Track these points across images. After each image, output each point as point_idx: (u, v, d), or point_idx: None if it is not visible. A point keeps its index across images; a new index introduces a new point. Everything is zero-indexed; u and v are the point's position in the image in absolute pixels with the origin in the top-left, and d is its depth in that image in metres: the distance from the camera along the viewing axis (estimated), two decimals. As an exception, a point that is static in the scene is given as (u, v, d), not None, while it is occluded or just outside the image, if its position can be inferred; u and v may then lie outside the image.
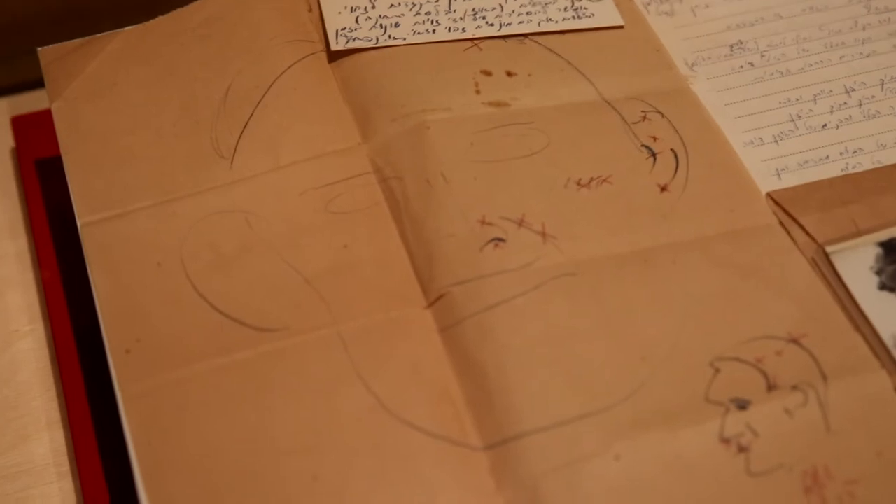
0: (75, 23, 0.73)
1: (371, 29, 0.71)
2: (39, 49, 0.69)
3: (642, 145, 0.66)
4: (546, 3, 0.73)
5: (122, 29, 0.71)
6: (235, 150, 0.66)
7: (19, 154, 0.74)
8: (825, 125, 0.68)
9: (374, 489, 0.54)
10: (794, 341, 0.58)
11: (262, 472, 0.54)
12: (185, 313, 0.59)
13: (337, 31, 0.71)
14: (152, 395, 0.56)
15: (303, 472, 0.54)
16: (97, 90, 0.68)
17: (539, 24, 0.72)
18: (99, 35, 0.70)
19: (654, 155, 0.65)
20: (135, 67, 0.70)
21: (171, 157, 0.65)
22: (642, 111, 0.67)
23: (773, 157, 0.67)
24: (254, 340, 0.58)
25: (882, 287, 0.60)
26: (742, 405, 0.55)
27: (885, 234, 0.62)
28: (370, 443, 0.55)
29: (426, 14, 0.72)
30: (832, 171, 0.66)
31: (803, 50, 0.72)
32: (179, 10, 0.72)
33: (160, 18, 0.72)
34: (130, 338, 0.58)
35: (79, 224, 0.62)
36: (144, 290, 0.60)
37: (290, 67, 0.69)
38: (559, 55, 0.70)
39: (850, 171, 0.66)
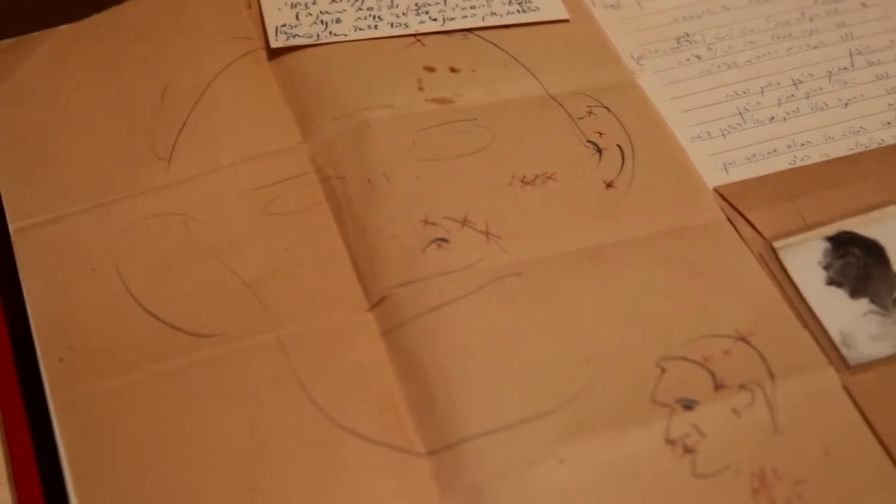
0: (5, 22, 0.71)
1: (312, 25, 0.70)
2: (-33, 51, 0.68)
3: (588, 141, 0.65)
4: (490, -3, 0.72)
5: (54, 28, 0.69)
6: (173, 151, 0.64)
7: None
8: (773, 118, 0.67)
9: (314, 499, 0.52)
10: (742, 339, 0.57)
11: (196, 484, 0.52)
12: (120, 320, 0.58)
13: (276, 28, 0.69)
14: (86, 405, 0.55)
15: (239, 484, 0.52)
16: (29, 92, 0.67)
17: (483, 18, 0.71)
18: (30, 35, 0.69)
19: (599, 151, 0.64)
20: (69, 68, 0.68)
21: (106, 160, 0.64)
22: (588, 106, 0.66)
23: (721, 152, 0.66)
24: (190, 347, 0.57)
25: (830, 282, 0.59)
26: (688, 405, 0.54)
27: (832, 229, 0.61)
28: (310, 452, 0.53)
29: (368, 9, 0.71)
30: (780, 164, 0.65)
31: (750, 42, 0.71)
32: (115, 8, 0.71)
33: (95, 17, 0.70)
34: (64, 346, 0.57)
35: (10, 229, 0.61)
36: (78, 296, 0.59)
37: (228, 66, 0.68)
38: (504, 50, 0.69)
39: (798, 164, 0.65)
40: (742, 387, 0.55)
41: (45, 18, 0.70)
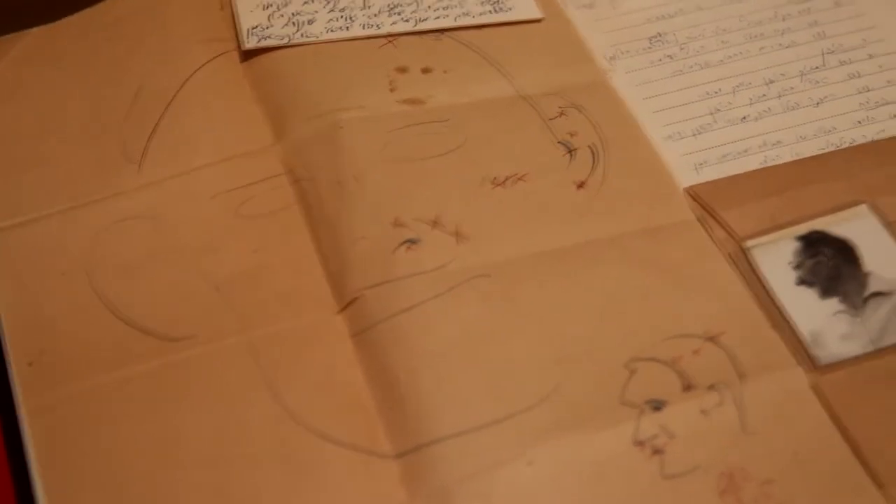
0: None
1: (284, 27, 0.69)
2: (-59, 54, 0.68)
3: (559, 142, 0.65)
4: (463, -2, 0.72)
5: (27, 30, 0.69)
6: (144, 153, 0.64)
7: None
8: (745, 118, 0.68)
9: (283, 501, 0.52)
10: (712, 340, 0.57)
11: (166, 486, 0.52)
12: (91, 323, 0.58)
13: (249, 30, 0.69)
14: (55, 409, 0.55)
15: (208, 486, 0.52)
16: (2, 94, 0.67)
17: (456, 18, 0.71)
18: (4, 37, 0.69)
19: (571, 151, 0.64)
20: (42, 70, 0.68)
21: (78, 162, 0.64)
22: (560, 107, 0.66)
23: (693, 152, 0.66)
24: (160, 350, 0.57)
25: (800, 282, 0.60)
26: (657, 406, 0.55)
27: (803, 228, 0.61)
28: (278, 454, 0.53)
29: (341, 10, 0.71)
30: (752, 164, 0.65)
31: (723, 41, 0.72)
32: (88, 10, 0.71)
33: (69, 18, 0.70)
34: (34, 350, 0.57)
35: (-19, 233, 0.61)
36: (49, 300, 0.59)
37: (201, 67, 0.68)
38: (476, 50, 0.69)
39: (770, 163, 0.65)
40: (711, 387, 0.55)
41: (19, 20, 0.70)
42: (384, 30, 0.70)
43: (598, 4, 0.74)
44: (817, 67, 0.70)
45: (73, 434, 0.54)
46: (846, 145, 0.66)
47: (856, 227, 0.61)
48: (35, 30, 0.70)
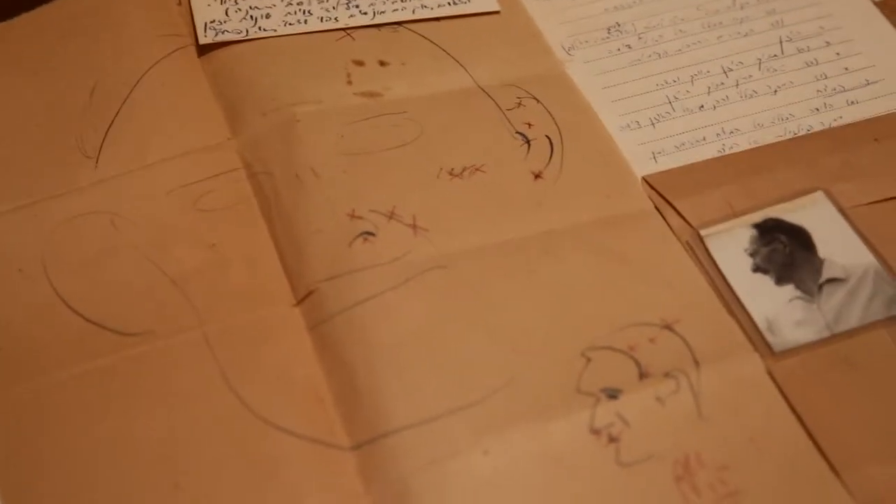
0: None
1: (241, 21, 0.69)
2: None
3: (517, 132, 0.65)
4: (421, -10, 0.72)
5: (-19, 28, 0.69)
6: (101, 149, 0.64)
7: None
8: (702, 106, 0.68)
9: (239, 496, 0.52)
10: (668, 327, 0.57)
11: (121, 482, 0.52)
12: (47, 320, 0.58)
13: (206, 24, 0.69)
14: (11, 406, 0.55)
15: (163, 481, 0.52)
16: (-43, 92, 0.66)
17: (413, 11, 0.71)
18: (-42, 35, 0.68)
19: (528, 142, 0.64)
20: (-2, 67, 0.68)
21: (33, 159, 0.64)
22: (517, 97, 0.66)
23: (650, 141, 0.66)
24: (117, 345, 0.57)
25: (756, 269, 0.60)
26: (613, 394, 0.55)
27: (759, 216, 0.62)
28: (235, 448, 0.53)
29: (298, 4, 0.70)
30: (709, 152, 0.66)
31: (680, 31, 0.72)
32: (43, 7, 0.70)
33: (24, 16, 0.70)
34: (-10, 347, 0.57)
35: (-65, 232, 0.61)
36: (5, 297, 0.58)
37: (157, 63, 0.68)
38: (434, 42, 0.69)
39: (727, 152, 0.65)
40: (667, 375, 0.55)
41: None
42: (341, 23, 0.69)
43: (556, -5, 0.74)
44: (775, 55, 0.70)
45: (30, 431, 0.54)
46: (803, 133, 0.66)
47: (812, 214, 0.62)
48: (-11, 28, 0.69)
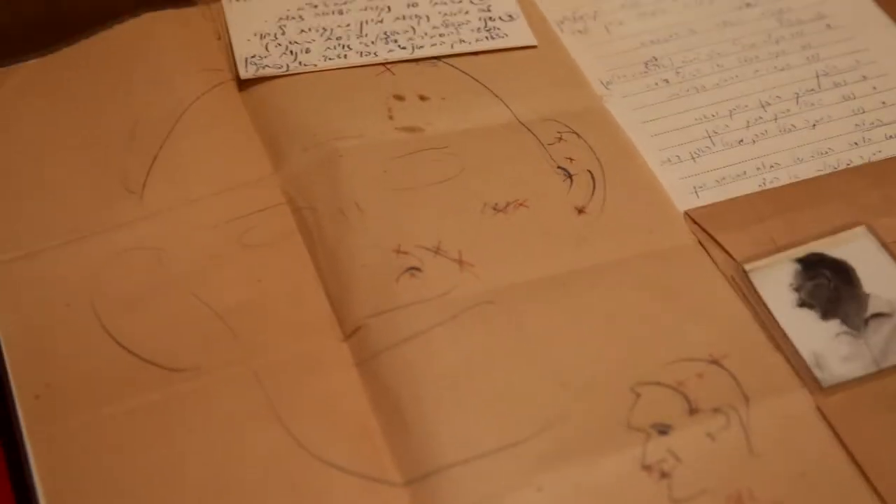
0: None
1: (281, 56, 0.70)
2: (-62, 85, 0.68)
3: (558, 167, 0.65)
4: (459, 25, 0.72)
5: (23, 62, 0.69)
6: (145, 184, 0.64)
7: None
8: (741, 140, 0.68)
9: (291, 531, 0.52)
10: (715, 363, 0.57)
11: (173, 518, 0.52)
12: (95, 355, 0.58)
13: (246, 59, 0.69)
14: (62, 441, 0.55)
15: (215, 516, 0.52)
16: None
17: (452, 45, 0.71)
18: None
19: (570, 177, 0.65)
20: (38, 101, 0.68)
21: (78, 194, 0.64)
22: (558, 132, 0.67)
23: (691, 175, 0.66)
24: (164, 381, 0.57)
25: (801, 304, 0.60)
26: (663, 430, 0.55)
27: (802, 251, 0.62)
28: (286, 483, 0.53)
29: (337, 39, 0.71)
30: (750, 186, 0.66)
31: (718, 65, 0.72)
32: (85, 41, 0.71)
33: (64, 50, 0.70)
34: (39, 383, 0.57)
35: (-17, 266, 0.61)
36: (53, 332, 0.59)
37: (199, 98, 0.68)
38: (473, 77, 0.70)
39: (768, 186, 0.66)
40: (716, 410, 0.55)
41: (14, 52, 0.70)
42: (381, 57, 0.70)
43: (592, 30, 0.74)
44: (812, 90, 0.71)
45: (79, 466, 0.54)
46: (843, 167, 0.66)
47: (854, 248, 0.62)
48: (31, 62, 0.70)
